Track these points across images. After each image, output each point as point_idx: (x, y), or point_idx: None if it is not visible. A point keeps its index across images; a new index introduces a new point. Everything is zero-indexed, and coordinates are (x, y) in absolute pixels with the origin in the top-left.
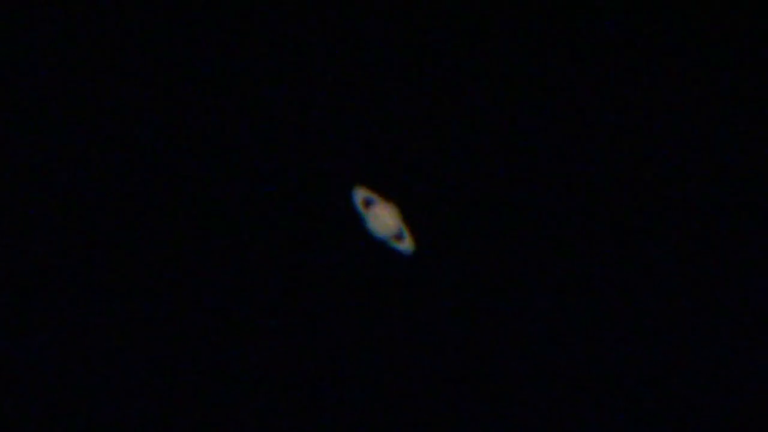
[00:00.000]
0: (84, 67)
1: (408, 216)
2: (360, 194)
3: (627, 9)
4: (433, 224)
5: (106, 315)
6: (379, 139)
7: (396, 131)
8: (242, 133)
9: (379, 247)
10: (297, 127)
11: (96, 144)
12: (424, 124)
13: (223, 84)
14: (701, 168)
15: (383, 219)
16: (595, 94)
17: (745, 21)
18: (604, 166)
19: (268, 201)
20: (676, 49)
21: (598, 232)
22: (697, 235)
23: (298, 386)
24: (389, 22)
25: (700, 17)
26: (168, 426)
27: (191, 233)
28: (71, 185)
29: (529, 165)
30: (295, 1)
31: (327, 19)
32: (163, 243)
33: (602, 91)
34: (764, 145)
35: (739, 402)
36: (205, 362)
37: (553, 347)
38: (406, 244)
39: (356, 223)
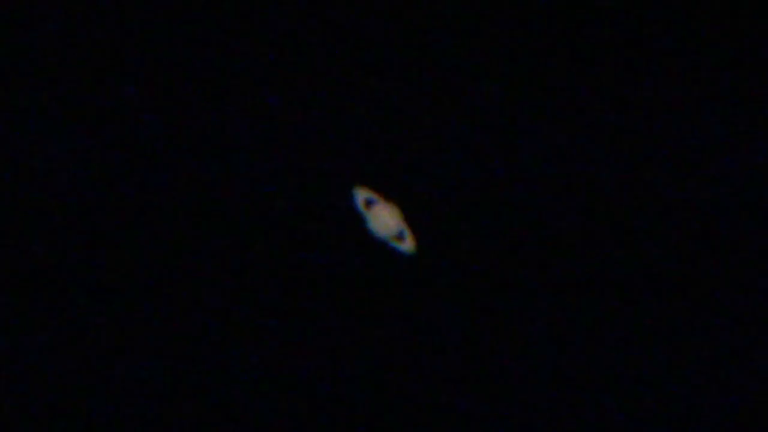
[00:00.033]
0: (84, 67)
1: (409, 216)
2: (361, 195)
3: (627, 9)
4: (434, 224)
5: (107, 315)
6: (380, 140)
7: (397, 132)
8: (244, 134)
9: (380, 246)
10: (298, 128)
11: (96, 144)
12: (425, 125)
13: (224, 85)
14: (701, 168)
15: (384, 219)
16: (595, 95)
17: (745, 21)
18: (604, 167)
19: (269, 201)
20: (676, 49)
21: (598, 232)
22: (697, 235)
23: (299, 385)
24: (389, 23)
25: (700, 17)
26: (168, 426)
27: (193, 234)
28: (71, 185)
29: (529, 165)
30: (296, 1)
31: (328, 20)
32: (166, 243)
33: (602, 92)
34: (764, 145)
35: (739, 402)
36: (206, 361)
37: (553, 347)
38: (407, 244)
39: (357, 223)
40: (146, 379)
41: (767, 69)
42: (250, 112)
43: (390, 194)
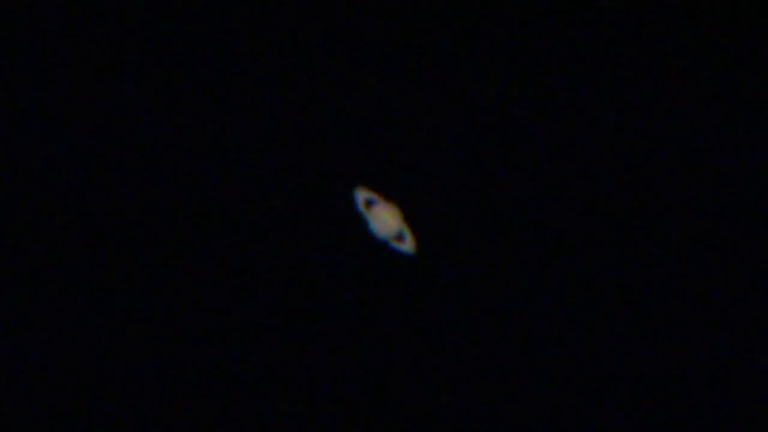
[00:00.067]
0: (84, 66)
1: (409, 216)
2: (361, 195)
3: (627, 9)
4: (435, 225)
5: (107, 315)
6: (380, 140)
7: (397, 132)
8: (243, 135)
9: (381, 247)
10: (298, 128)
11: (96, 144)
12: (425, 125)
13: (223, 85)
14: (701, 168)
15: (384, 219)
16: (595, 94)
17: (745, 21)
18: (604, 167)
19: (269, 202)
20: (676, 49)
21: (598, 232)
22: (697, 235)
23: (299, 387)
24: (389, 22)
25: (701, 17)
26: (168, 426)
27: (193, 234)
28: (71, 185)
29: (529, 165)
30: (296, 1)
31: (327, 19)
32: (166, 243)
33: (602, 91)
34: (764, 145)
35: (739, 402)
36: (206, 363)
37: (553, 348)
38: (408, 245)
39: (357, 223)
40: (146, 379)
41: (767, 69)
42: (250, 113)
43: (390, 195)
